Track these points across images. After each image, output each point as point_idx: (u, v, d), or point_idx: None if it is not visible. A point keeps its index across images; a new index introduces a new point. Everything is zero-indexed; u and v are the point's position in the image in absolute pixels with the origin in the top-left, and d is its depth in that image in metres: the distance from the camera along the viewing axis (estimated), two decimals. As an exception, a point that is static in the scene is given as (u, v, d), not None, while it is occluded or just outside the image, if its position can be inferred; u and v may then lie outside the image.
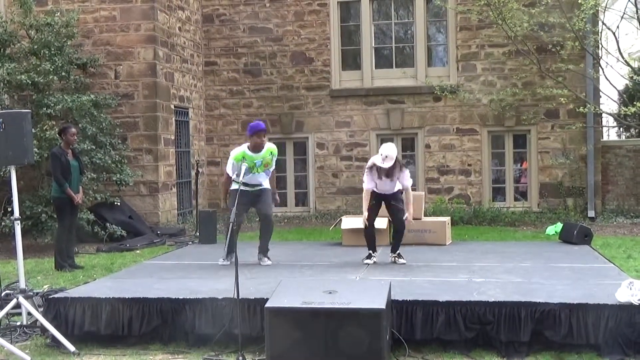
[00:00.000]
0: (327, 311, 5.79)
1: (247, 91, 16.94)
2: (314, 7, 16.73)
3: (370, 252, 9.17)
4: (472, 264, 8.94)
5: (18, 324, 7.30)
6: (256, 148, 9.02)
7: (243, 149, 9.08)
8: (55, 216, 11.84)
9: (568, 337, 6.19)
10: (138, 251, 12.13)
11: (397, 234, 9.19)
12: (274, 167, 9.41)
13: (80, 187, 10.60)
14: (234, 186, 8.98)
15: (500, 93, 15.62)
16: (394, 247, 9.17)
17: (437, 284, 7.53)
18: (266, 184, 9.26)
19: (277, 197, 9.74)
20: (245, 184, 8.79)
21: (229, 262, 8.93)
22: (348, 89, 16.71)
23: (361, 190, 8.87)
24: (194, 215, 15.02)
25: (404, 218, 9.08)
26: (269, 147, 9.17)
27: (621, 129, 21.27)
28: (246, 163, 8.70)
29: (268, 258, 9.24)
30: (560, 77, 15.16)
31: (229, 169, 9.20)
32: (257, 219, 10.34)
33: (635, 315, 6.12)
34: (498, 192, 16.43)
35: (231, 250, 9.01)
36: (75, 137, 10.63)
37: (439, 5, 15.85)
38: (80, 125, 12.73)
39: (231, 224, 6.75)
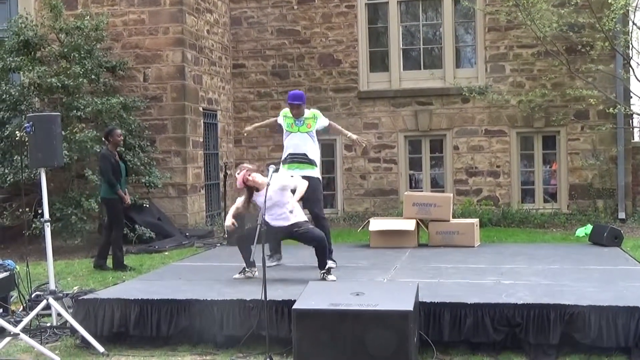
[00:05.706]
0: (355, 313, 5.78)
1: (275, 93, 16.95)
2: (341, 9, 16.71)
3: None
4: (501, 265, 8.90)
5: (48, 325, 7.39)
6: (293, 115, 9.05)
7: (286, 109, 9.15)
8: (85, 218, 12.06)
9: (598, 340, 6.13)
10: (167, 253, 12.18)
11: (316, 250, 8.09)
12: (327, 123, 9.24)
13: (126, 189, 10.76)
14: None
15: (529, 94, 15.50)
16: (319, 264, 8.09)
17: (465, 285, 7.51)
18: (315, 157, 8.95)
19: (360, 140, 9.51)
20: (290, 158, 8.78)
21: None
22: (376, 91, 16.67)
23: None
24: (222, 217, 15.03)
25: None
26: (312, 111, 9.19)
27: (652, 129, 21.00)
28: (286, 121, 8.97)
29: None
30: (590, 77, 15.03)
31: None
32: None
33: (666, 318, 6.05)
34: (527, 194, 16.31)
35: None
36: (122, 138, 10.86)
37: (467, 6, 15.79)
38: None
39: (259, 226, 6.67)
